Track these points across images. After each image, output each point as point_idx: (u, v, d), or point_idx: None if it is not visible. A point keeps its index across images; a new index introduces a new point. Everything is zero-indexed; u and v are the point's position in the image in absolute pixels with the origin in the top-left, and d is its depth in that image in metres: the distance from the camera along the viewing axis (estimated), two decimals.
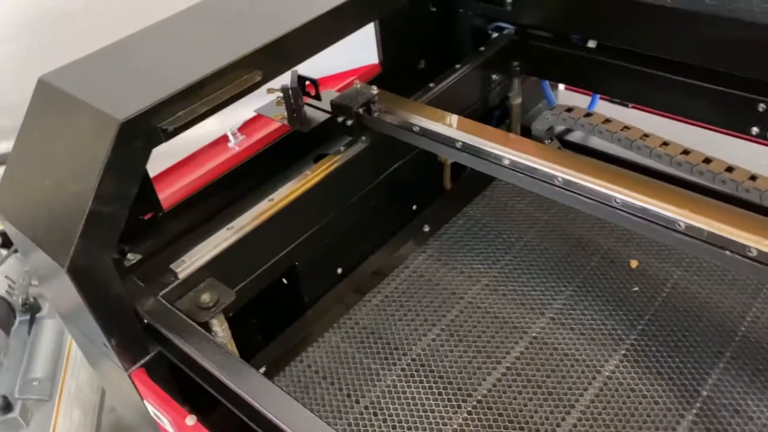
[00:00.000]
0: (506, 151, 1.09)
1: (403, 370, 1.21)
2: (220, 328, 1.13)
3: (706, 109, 1.27)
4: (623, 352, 1.19)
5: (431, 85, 1.45)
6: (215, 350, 0.98)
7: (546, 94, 1.73)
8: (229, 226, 1.18)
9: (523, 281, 1.34)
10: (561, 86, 1.87)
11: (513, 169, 1.09)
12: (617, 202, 0.98)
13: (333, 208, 1.33)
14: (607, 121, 1.11)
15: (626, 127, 1.22)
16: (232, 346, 1.17)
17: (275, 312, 1.40)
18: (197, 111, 1.00)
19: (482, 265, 1.38)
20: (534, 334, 1.24)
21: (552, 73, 1.58)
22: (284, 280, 1.36)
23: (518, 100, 1.63)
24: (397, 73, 1.49)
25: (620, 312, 1.26)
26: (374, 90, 1.28)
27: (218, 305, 1.10)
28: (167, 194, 1.28)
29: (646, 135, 1.21)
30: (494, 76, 1.60)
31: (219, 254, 1.15)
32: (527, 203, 1.52)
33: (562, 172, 1.04)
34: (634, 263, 1.35)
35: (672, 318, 1.24)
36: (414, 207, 1.55)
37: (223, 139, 1.43)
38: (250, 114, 1.44)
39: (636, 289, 1.30)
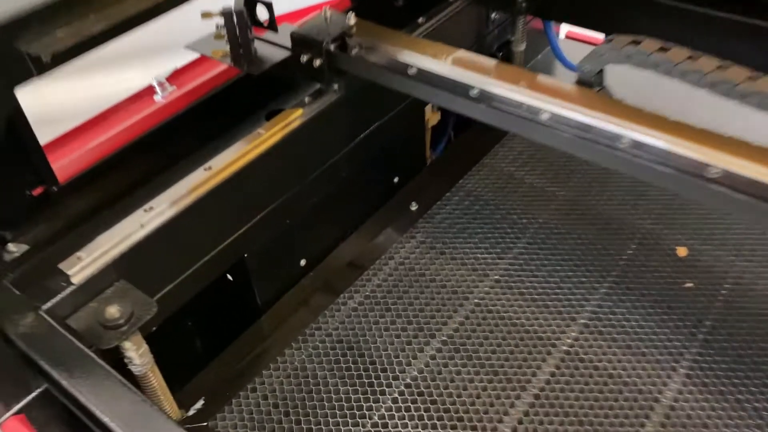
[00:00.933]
0: (547, 101, 0.77)
1: (394, 401, 0.89)
2: (137, 353, 0.79)
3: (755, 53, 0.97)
4: (684, 371, 0.90)
5: (420, 20, 1.12)
6: (118, 393, 0.64)
7: (550, 40, 1.41)
8: (148, 205, 0.83)
9: (544, 276, 1.03)
10: (561, 34, 1.57)
11: (556, 127, 0.77)
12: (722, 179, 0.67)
13: (293, 181, 0.99)
14: (691, 58, 0.78)
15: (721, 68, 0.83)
16: (155, 374, 0.83)
17: (218, 320, 1.06)
18: (87, 30, 0.64)
19: (489, 255, 1.07)
20: (565, 348, 0.93)
21: (562, 13, 1.26)
22: (230, 277, 1.03)
23: (522, 46, 1.32)
24: (371, 10, 1.15)
25: (674, 317, 0.96)
26: (351, 19, 0.93)
27: (132, 322, 0.76)
28: (66, 162, 0.92)
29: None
30: (494, 15, 1.28)
31: (134, 246, 0.80)
32: (538, 175, 1.21)
33: (631, 131, 0.72)
34: (682, 251, 1.05)
35: (740, 324, 0.95)
36: (396, 179, 1.22)
37: (148, 91, 1.06)
38: (184, 61, 1.08)
39: (689, 285, 1.01)
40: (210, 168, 0.88)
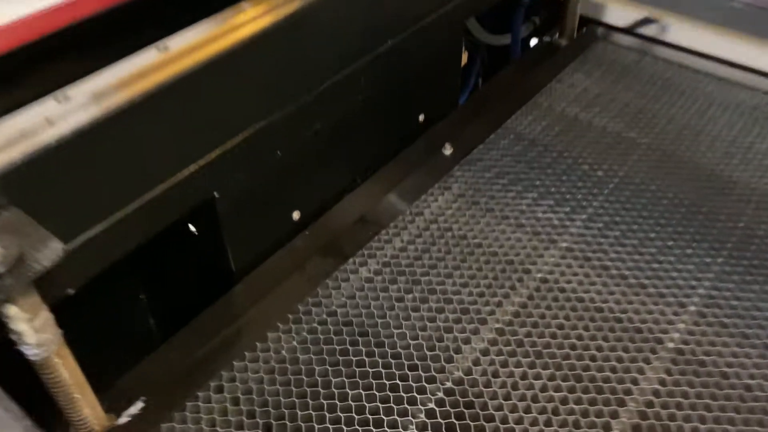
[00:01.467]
0: None
1: (430, 415, 0.59)
2: (29, 326, 0.49)
3: None
4: None
5: None
6: None
7: None
8: (63, 93, 0.53)
9: (634, 245, 0.74)
10: None
11: None
12: None
13: (289, 90, 0.69)
14: None
15: None
16: (64, 361, 0.53)
17: (173, 288, 0.76)
18: None
19: (555, 215, 0.78)
20: (674, 344, 0.64)
21: None
22: (192, 228, 0.73)
23: None
24: None
25: None
26: None
27: (21, 271, 0.46)
28: None
29: None
30: None
31: (36, 155, 0.50)
32: (612, 118, 0.91)
33: None
34: None
35: None
36: (421, 117, 0.93)
37: None
38: None
39: None
40: (167, 48, 0.57)
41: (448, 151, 0.85)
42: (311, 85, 0.71)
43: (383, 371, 0.62)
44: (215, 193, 0.67)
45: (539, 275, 0.71)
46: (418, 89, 0.89)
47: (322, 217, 0.79)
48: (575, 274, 0.71)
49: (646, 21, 1.08)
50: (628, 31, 1.08)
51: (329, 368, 0.62)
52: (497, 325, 0.66)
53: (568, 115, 0.92)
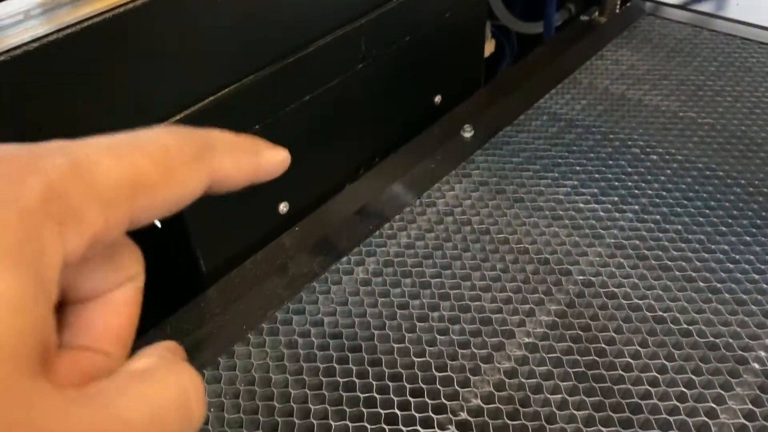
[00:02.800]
0: None
1: None
2: None
3: None
4: None
5: None
6: None
7: None
8: None
9: (701, 241, 0.59)
10: None
11: None
12: None
13: (273, 43, 0.57)
14: None
15: None
16: None
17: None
18: None
19: (600, 205, 0.63)
20: (759, 366, 0.49)
21: None
22: (156, 221, 0.59)
23: None
24: None
25: None
26: None
27: None
28: None
29: None
30: None
31: None
32: (665, 96, 0.77)
33: None
34: None
35: None
36: (437, 98, 0.79)
37: None
38: None
39: None
40: None
41: (468, 133, 0.71)
42: (298, 41, 0.58)
43: (378, 397, 0.48)
44: None
45: (581, 277, 0.56)
46: (433, 65, 0.76)
47: (315, 211, 0.65)
48: (627, 276, 0.56)
49: None
50: (682, 6, 0.93)
51: (309, 392, 0.48)
52: (527, 340, 0.51)
53: (614, 93, 0.77)
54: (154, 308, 0.60)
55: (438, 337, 0.52)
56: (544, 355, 0.50)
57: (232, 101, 0.55)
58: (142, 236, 0.57)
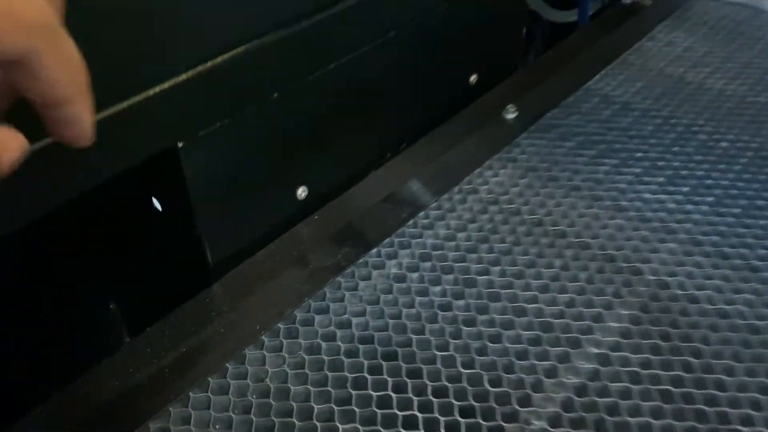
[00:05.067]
0: None
1: None
2: None
3: None
4: None
5: None
6: None
7: None
8: None
9: None
10: None
11: None
12: None
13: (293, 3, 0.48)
14: None
15: None
16: None
17: (141, 286, 0.55)
18: None
19: (669, 197, 0.54)
20: None
21: None
22: (156, 203, 0.52)
23: None
24: None
25: None
26: None
27: None
28: None
29: None
30: None
31: None
32: (730, 79, 0.68)
33: None
34: None
35: None
36: (473, 78, 0.71)
37: None
38: None
39: None
40: None
41: (511, 114, 0.63)
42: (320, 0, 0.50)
43: (420, 416, 0.39)
44: (179, 145, 0.46)
45: (654, 277, 0.47)
46: (469, 40, 0.67)
47: (339, 197, 0.57)
48: (709, 278, 0.47)
49: None
50: None
51: (335, 408, 0.40)
52: (597, 350, 0.43)
53: (671, 76, 0.69)
54: (153, 304, 0.52)
55: (489, 344, 0.43)
56: (619, 368, 0.41)
57: (246, 62, 0.47)
58: (141, 221, 0.48)
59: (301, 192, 0.57)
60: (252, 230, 0.54)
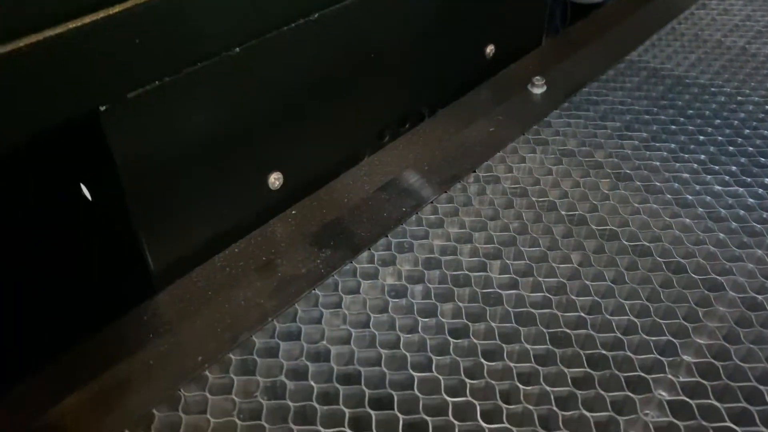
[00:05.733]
0: None
1: None
2: None
3: None
4: None
5: None
6: None
7: None
8: None
9: None
10: None
11: None
12: None
13: None
14: None
15: None
16: None
17: (41, 296, 0.43)
18: None
19: (747, 191, 0.42)
20: None
21: None
22: (84, 190, 0.40)
23: None
24: None
25: None
26: None
27: None
28: None
29: None
30: None
31: None
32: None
33: None
34: None
35: None
36: (490, 49, 0.59)
37: None
38: None
39: None
40: None
41: (538, 88, 0.51)
42: None
43: None
44: (100, 108, 0.34)
45: (740, 295, 0.35)
46: (485, 3, 0.56)
47: (321, 188, 0.45)
48: None
49: None
50: None
51: None
52: (669, 397, 0.31)
53: (731, 48, 0.57)
54: (77, 320, 0.40)
55: (521, 387, 0.31)
56: (702, 421, 0.29)
57: (191, 1, 0.35)
58: (63, 213, 0.36)
59: (274, 180, 0.45)
60: (208, 227, 0.42)
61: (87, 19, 0.31)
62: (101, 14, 0.32)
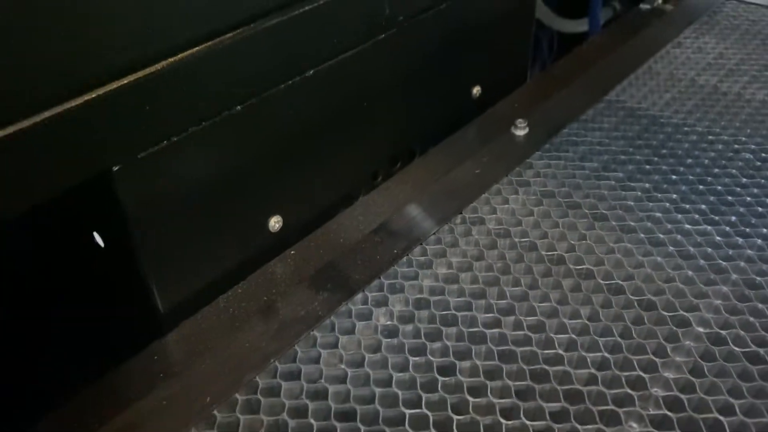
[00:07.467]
0: None
1: None
2: None
3: None
4: None
5: None
6: None
7: None
8: None
9: None
10: None
11: None
12: None
13: None
14: None
15: None
16: None
17: (46, 340, 0.46)
18: None
19: (716, 229, 0.45)
20: None
21: None
22: (97, 238, 0.43)
23: None
24: None
25: None
26: None
27: None
28: None
29: None
30: None
31: None
32: (761, 84, 0.60)
33: None
34: None
35: None
36: (476, 90, 0.62)
37: None
38: None
39: None
40: None
41: (521, 130, 0.54)
42: None
43: None
44: (113, 168, 0.37)
45: (706, 330, 0.38)
46: (472, 48, 0.59)
47: (318, 230, 0.47)
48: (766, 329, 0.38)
49: None
50: None
51: None
52: (640, 429, 0.33)
53: (704, 86, 0.60)
54: (86, 359, 0.42)
55: (504, 422, 0.34)
56: None
57: (198, 68, 0.38)
58: (75, 257, 0.39)
59: (274, 223, 0.48)
60: (212, 269, 0.45)
61: (101, 91, 0.34)
62: (115, 85, 0.35)
